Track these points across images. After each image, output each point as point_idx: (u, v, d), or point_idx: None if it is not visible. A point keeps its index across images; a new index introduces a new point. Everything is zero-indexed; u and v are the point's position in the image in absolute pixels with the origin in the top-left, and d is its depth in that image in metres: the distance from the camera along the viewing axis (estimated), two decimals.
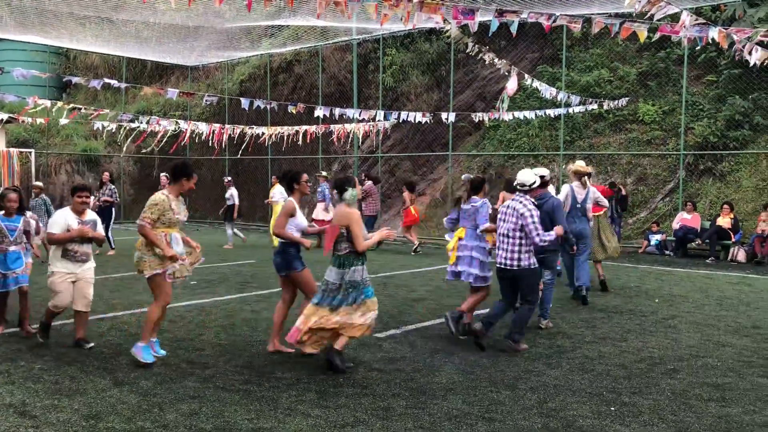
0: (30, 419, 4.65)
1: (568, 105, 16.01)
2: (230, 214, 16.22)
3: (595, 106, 16.34)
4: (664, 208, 16.43)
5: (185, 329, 7.41)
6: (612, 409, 5.03)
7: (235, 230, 16.58)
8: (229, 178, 17.21)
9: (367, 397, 5.21)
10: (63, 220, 6.48)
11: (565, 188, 9.42)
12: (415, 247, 15.40)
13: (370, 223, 15.73)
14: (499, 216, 6.78)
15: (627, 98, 16.84)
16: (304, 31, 20.29)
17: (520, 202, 6.59)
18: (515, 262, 6.56)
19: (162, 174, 16.53)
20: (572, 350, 6.72)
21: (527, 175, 6.74)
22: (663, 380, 5.75)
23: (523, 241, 6.53)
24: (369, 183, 16.21)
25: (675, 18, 7.07)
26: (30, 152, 21.36)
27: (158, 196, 6.05)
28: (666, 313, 8.66)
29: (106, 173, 15.16)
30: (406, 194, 16.01)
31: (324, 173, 16.82)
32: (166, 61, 24.62)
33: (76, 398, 5.08)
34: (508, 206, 6.70)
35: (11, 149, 20.84)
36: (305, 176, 6.57)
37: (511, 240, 6.57)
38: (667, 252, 15.11)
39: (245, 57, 23.77)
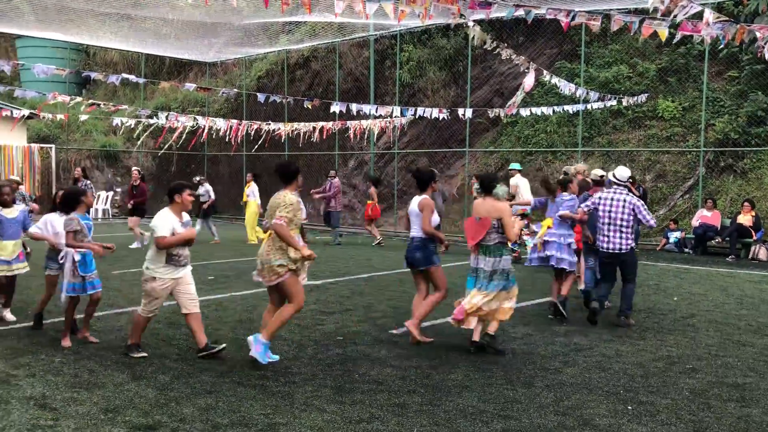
0: (50, 411, 4.71)
1: (586, 101, 15.88)
2: (208, 209, 16.04)
3: (614, 103, 16.20)
4: (684, 205, 16.27)
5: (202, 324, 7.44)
6: (629, 408, 4.99)
7: (211, 226, 16.12)
8: (203, 177, 16.94)
9: (382, 393, 5.21)
10: (169, 223, 5.97)
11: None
12: (378, 241, 15.96)
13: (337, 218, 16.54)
14: (601, 207, 7.66)
15: (646, 94, 16.68)
16: (321, 27, 20.33)
17: (627, 195, 7.59)
18: (625, 247, 7.57)
19: (135, 169, 16.04)
20: (589, 348, 6.68)
21: (626, 171, 7.74)
22: (681, 379, 5.70)
23: (630, 228, 7.54)
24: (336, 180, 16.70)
25: (697, 14, 6.98)
26: (51, 148, 21.59)
27: (292, 196, 5.87)
28: (685, 311, 8.58)
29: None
30: (372, 189, 16.32)
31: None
32: (184, 57, 24.78)
33: (95, 391, 5.14)
34: (609, 198, 7.63)
35: (32, 145, 21.10)
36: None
37: (620, 227, 7.56)
38: (686, 250, 14.96)
39: (263, 53, 23.85)
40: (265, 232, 6.20)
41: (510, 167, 15.08)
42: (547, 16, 7.08)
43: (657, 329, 7.54)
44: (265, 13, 17.46)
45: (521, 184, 13.58)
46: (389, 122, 17.05)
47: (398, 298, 8.99)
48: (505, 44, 11.62)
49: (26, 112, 17.94)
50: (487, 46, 9.87)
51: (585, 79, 17.17)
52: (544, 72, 13.21)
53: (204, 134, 17.08)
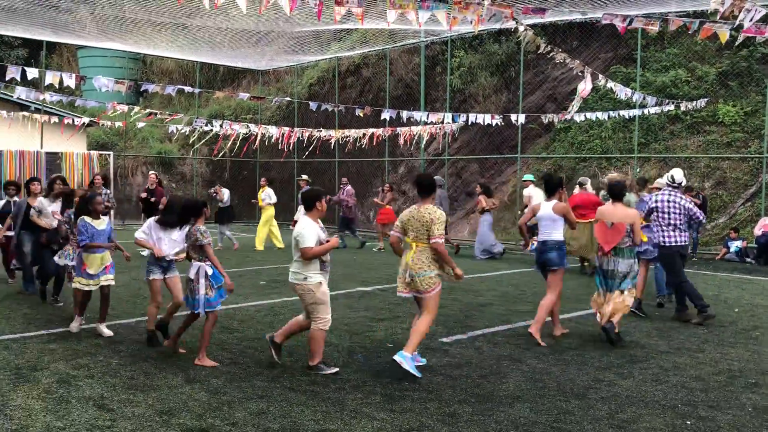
0: (108, 412, 4.82)
1: (643, 106, 15.52)
2: (226, 216, 15.87)
3: (672, 108, 15.79)
4: (745, 213, 15.72)
5: (254, 329, 7.54)
6: (688, 422, 4.83)
7: (227, 233, 15.83)
8: (217, 186, 16.50)
9: (433, 402, 5.17)
10: (315, 231, 5.83)
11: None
12: (379, 247, 16.00)
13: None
14: (660, 207, 8.37)
15: (705, 99, 16.20)
16: (372, 34, 20.41)
17: (680, 197, 8.31)
18: (684, 243, 8.35)
19: (152, 173, 15.81)
20: (645, 360, 6.50)
21: (681, 174, 8.46)
22: (743, 394, 5.48)
23: (683, 227, 8.34)
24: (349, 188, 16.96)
25: (763, 17, 6.74)
26: (109, 154, 22.24)
27: (441, 211, 5.98)
28: (747, 323, 8.27)
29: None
30: (389, 193, 16.51)
31: (305, 177, 16.85)
32: (237, 65, 25.21)
33: (151, 393, 5.24)
34: (666, 200, 8.33)
35: (92, 152, 21.77)
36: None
37: (677, 225, 8.28)
38: (748, 260, 14.45)
39: (314, 60, 24.09)
40: (396, 243, 6.19)
41: (524, 178, 15.52)
42: (603, 21, 6.94)
43: (717, 342, 7.28)
44: (317, 21, 17.64)
45: (534, 195, 13.78)
46: (439, 128, 16.98)
47: (449, 306, 8.92)
48: (559, 48, 11.45)
49: (86, 120, 18.53)
50: (541, 50, 9.74)
51: (641, 83, 16.78)
52: (599, 76, 12.96)
53: (256, 141, 17.33)
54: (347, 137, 17.24)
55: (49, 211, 9.08)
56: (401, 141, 17.19)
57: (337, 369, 5.92)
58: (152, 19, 17.48)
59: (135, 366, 6.00)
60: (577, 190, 12.64)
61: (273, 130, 16.48)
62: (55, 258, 8.23)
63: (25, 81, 12.50)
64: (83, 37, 20.41)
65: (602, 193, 12.05)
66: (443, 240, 5.94)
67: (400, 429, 4.61)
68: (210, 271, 6.12)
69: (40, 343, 6.78)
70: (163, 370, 5.90)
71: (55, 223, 8.76)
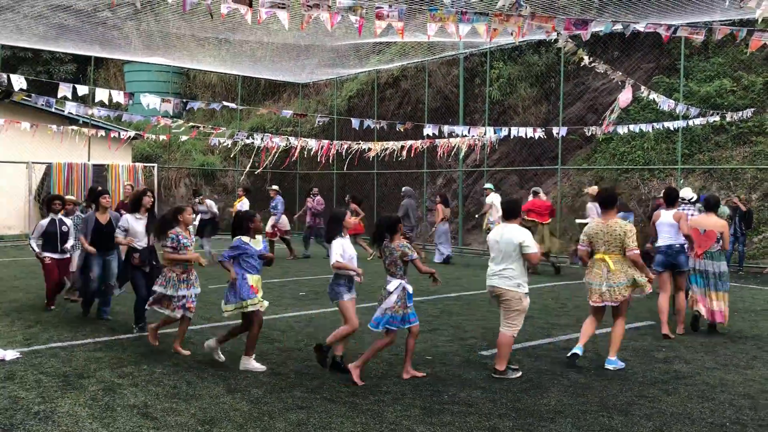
0: (151, 420, 4.91)
1: (686, 117, 15.22)
2: (209, 229, 14.90)
3: (717, 118, 15.45)
4: None
5: (294, 339, 7.60)
6: None
7: (206, 247, 14.58)
8: (201, 196, 15.92)
9: (472, 416, 5.13)
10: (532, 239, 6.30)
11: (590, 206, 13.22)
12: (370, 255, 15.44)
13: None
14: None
15: (752, 109, 15.82)
16: (411, 46, 20.48)
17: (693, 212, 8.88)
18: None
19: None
20: (691, 376, 6.35)
21: (689, 192, 9.35)
22: None
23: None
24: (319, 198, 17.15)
25: None
26: (153, 166, 22.73)
27: (631, 225, 6.67)
28: None
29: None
30: (354, 206, 16.40)
31: (275, 187, 16.76)
32: (278, 78, 25.55)
33: (193, 403, 5.32)
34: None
35: (137, 164, 22.30)
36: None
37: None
38: None
39: (354, 73, 24.28)
40: (586, 256, 6.81)
41: (484, 186, 16.77)
42: (646, 30, 6.85)
43: (767, 359, 7.07)
44: (358, 35, 17.79)
45: (496, 201, 14.82)
46: (478, 140, 16.92)
47: (488, 319, 8.85)
48: (600, 59, 11.34)
49: (132, 133, 18.97)
50: (584, 63, 9.67)
51: (684, 93, 16.49)
52: (641, 87, 12.78)
53: (296, 154, 17.51)
54: (386, 149, 17.29)
55: (139, 230, 7.85)
56: (439, 153, 17.17)
57: (520, 373, 6.26)
58: (195, 34, 17.87)
59: (178, 375, 6.10)
60: (531, 197, 14.71)
61: (312, 143, 16.64)
62: (157, 287, 6.89)
63: (75, 96, 12.86)
64: (129, 53, 20.97)
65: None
66: (638, 252, 6.54)
67: None
68: (410, 289, 6.06)
69: (86, 351, 6.94)
70: (205, 379, 5.98)
71: (143, 243, 7.81)
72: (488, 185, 16.51)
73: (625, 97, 10.98)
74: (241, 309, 6.29)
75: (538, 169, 19.59)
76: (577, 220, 14.49)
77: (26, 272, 12.87)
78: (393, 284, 5.96)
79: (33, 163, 19.83)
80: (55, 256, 9.07)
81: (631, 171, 17.80)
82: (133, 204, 8.03)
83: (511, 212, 6.37)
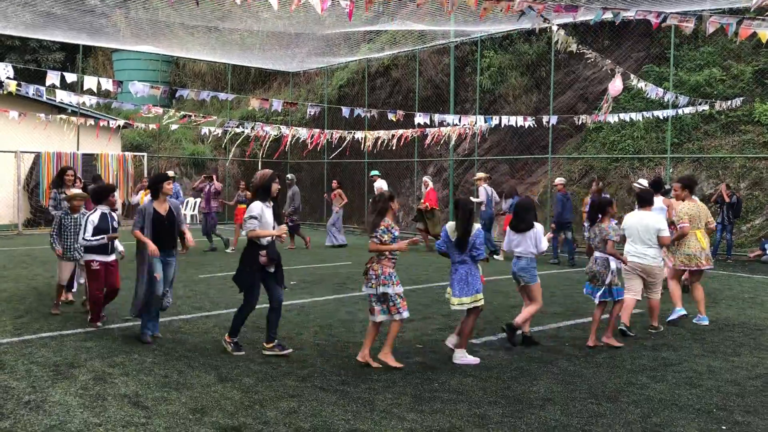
0: (142, 409, 4.92)
1: (676, 106, 15.29)
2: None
3: (706, 107, 15.52)
4: None
5: (285, 329, 7.61)
6: (723, 428, 4.76)
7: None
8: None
9: (462, 404, 5.17)
10: None
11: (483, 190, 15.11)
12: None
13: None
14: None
15: (741, 98, 15.89)
16: (401, 35, 20.43)
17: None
18: None
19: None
20: (678, 363, 6.41)
21: (646, 182, 10.10)
22: None
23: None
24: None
25: None
26: (143, 156, 22.62)
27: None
28: None
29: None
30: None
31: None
32: (268, 67, 25.44)
33: (184, 392, 5.33)
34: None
35: (126, 153, 22.17)
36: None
37: None
38: None
39: (344, 62, 24.21)
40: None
41: (372, 173, 17.74)
42: (636, 18, 6.86)
43: (754, 346, 7.15)
44: (348, 22, 17.72)
45: (384, 187, 16.17)
46: (468, 129, 16.93)
47: None
48: (590, 48, 11.35)
49: (121, 122, 18.87)
50: (572, 49, 9.67)
51: (674, 82, 16.54)
52: (631, 76, 12.82)
53: (287, 144, 17.46)
54: (379, 138, 17.27)
55: (270, 221, 6.40)
56: (429, 141, 17.17)
57: (661, 328, 7.72)
58: (185, 22, 17.75)
59: (169, 364, 6.10)
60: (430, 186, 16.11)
61: (303, 133, 16.61)
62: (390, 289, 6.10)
63: (63, 84, 12.76)
64: (118, 41, 20.81)
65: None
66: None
67: (430, 430, 4.62)
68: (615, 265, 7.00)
69: (77, 341, 6.92)
70: (196, 369, 5.99)
71: (268, 237, 6.40)
72: (375, 171, 17.54)
73: (615, 86, 11.02)
74: (475, 302, 6.34)
75: (528, 158, 19.63)
76: (473, 198, 14.50)
77: (15, 262, 12.82)
78: (611, 260, 6.98)
79: (21, 152, 19.70)
80: (103, 258, 7.48)
81: (620, 160, 17.87)
82: (264, 190, 6.41)
83: (646, 201, 7.64)
